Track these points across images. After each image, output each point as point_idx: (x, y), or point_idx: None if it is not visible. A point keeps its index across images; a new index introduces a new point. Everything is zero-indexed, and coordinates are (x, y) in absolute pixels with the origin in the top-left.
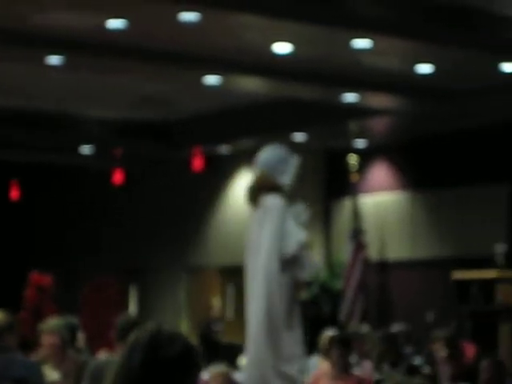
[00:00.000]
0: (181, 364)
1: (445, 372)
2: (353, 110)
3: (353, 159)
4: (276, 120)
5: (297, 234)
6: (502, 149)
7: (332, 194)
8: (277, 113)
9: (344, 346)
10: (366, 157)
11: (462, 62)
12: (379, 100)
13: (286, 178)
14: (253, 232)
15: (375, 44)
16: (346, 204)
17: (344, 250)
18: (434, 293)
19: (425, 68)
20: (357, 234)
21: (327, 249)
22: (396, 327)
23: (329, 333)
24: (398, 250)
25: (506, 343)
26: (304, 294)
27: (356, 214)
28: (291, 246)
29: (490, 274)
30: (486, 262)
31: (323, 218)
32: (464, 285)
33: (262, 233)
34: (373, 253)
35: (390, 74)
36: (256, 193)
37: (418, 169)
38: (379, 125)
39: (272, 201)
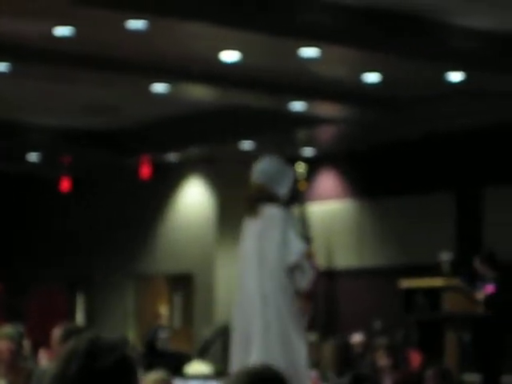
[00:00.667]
0: (118, 373)
1: (387, 381)
2: (300, 119)
3: (300, 167)
4: (224, 128)
5: (298, 243)
6: (447, 157)
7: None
8: (225, 121)
9: None
10: (314, 165)
11: (408, 71)
12: (327, 109)
13: (284, 189)
14: (250, 242)
15: (322, 53)
16: (294, 212)
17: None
18: (381, 301)
19: (372, 77)
20: (304, 241)
21: None
22: (355, 337)
23: None
24: (345, 258)
25: (452, 351)
26: (309, 305)
27: (303, 222)
28: (294, 255)
29: (436, 282)
30: (432, 271)
31: None
32: (410, 293)
33: (265, 243)
34: (321, 261)
35: (338, 83)
36: (255, 203)
37: (365, 177)
38: (327, 133)
39: (273, 211)
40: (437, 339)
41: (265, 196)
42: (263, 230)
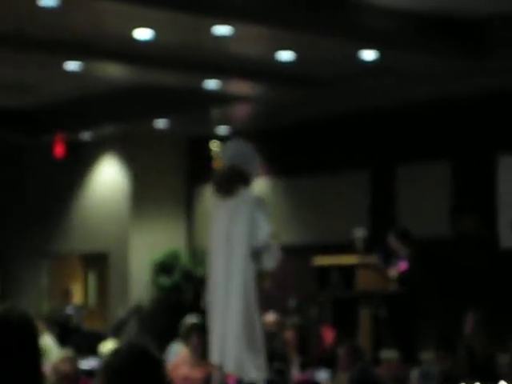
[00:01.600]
0: (22, 335)
1: (295, 359)
2: (215, 97)
3: (215, 146)
4: (138, 106)
5: (266, 225)
6: (360, 135)
7: (194, 181)
8: (139, 99)
9: (204, 333)
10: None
11: (322, 49)
12: (241, 87)
13: (254, 170)
14: (222, 221)
15: (236, 31)
16: (209, 191)
17: (207, 237)
18: (296, 279)
19: (286, 55)
20: None
21: (189, 235)
22: (268, 316)
23: (189, 320)
24: None
25: (365, 328)
26: (268, 284)
27: None
28: (262, 236)
29: (350, 259)
30: (347, 248)
31: (186, 205)
32: (325, 271)
33: (236, 224)
34: None
35: (252, 61)
36: (229, 184)
37: (280, 156)
38: (241, 112)
39: (246, 193)
40: (351, 316)
41: (239, 177)
42: (235, 210)
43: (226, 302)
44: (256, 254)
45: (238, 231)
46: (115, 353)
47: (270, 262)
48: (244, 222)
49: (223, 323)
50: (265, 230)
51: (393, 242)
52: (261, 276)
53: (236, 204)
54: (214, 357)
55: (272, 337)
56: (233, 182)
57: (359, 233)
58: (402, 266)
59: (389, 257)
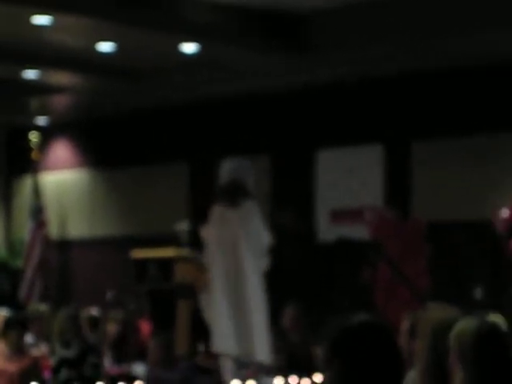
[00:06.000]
0: None
1: (111, 352)
2: (34, 87)
3: (34, 136)
4: None
5: (265, 231)
6: (180, 128)
7: (13, 171)
8: None
9: (20, 327)
10: (48, 134)
11: (143, 41)
12: (61, 77)
13: (252, 184)
14: (228, 229)
15: (56, 20)
16: (27, 181)
17: (24, 228)
18: (114, 272)
19: (106, 46)
20: (37, 211)
21: (7, 226)
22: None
23: (3, 313)
24: (78, 228)
25: (183, 320)
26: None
27: (37, 192)
28: (266, 241)
29: (168, 252)
30: (166, 241)
31: (4, 195)
32: (143, 263)
33: (245, 230)
34: (54, 231)
35: (72, 52)
36: (233, 196)
37: (99, 147)
38: (60, 102)
39: (250, 203)
40: (168, 309)
41: (241, 190)
42: (242, 218)
43: (236, 297)
44: (258, 258)
45: (245, 235)
46: None
47: (267, 262)
48: (251, 230)
49: (235, 315)
50: (266, 237)
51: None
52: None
53: (243, 213)
54: (224, 346)
55: (91, 329)
56: (236, 194)
57: (183, 226)
58: None
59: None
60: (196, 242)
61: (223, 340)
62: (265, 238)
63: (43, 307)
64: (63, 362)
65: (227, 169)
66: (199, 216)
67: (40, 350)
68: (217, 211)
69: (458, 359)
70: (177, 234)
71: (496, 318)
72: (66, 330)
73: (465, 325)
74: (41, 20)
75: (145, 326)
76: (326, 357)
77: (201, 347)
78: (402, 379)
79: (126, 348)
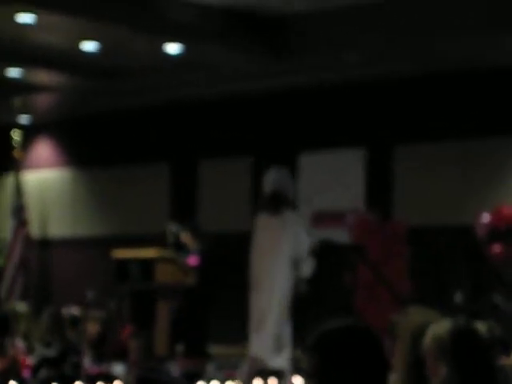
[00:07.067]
0: None
1: (90, 351)
2: (17, 86)
3: (16, 135)
4: None
5: (307, 239)
6: (162, 129)
7: None
8: None
9: (1, 326)
10: (30, 133)
11: (127, 41)
12: (44, 76)
13: (292, 194)
14: (269, 235)
15: (39, 19)
16: (9, 180)
17: (6, 227)
18: (95, 272)
19: (90, 45)
20: (19, 210)
21: None
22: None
23: None
24: (59, 227)
25: (163, 320)
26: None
27: (18, 191)
28: (303, 249)
29: (149, 253)
30: (148, 241)
31: None
32: (124, 264)
33: (282, 238)
34: (35, 230)
35: (55, 50)
36: (276, 205)
37: (81, 147)
38: (43, 101)
39: (293, 214)
40: (149, 309)
41: (283, 200)
42: (281, 227)
43: (269, 302)
44: (296, 263)
45: (284, 243)
46: None
47: (308, 270)
48: (289, 237)
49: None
50: (306, 243)
51: (184, 236)
52: (299, 282)
53: (287, 222)
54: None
55: (72, 329)
56: (278, 204)
57: (173, 227)
58: (192, 260)
59: (181, 250)
60: (180, 244)
61: (262, 345)
62: (305, 245)
63: (23, 306)
64: (44, 362)
65: (270, 179)
66: (180, 216)
67: (16, 350)
68: (261, 220)
69: (436, 360)
70: (164, 234)
71: (478, 325)
72: (47, 330)
73: (438, 327)
74: (24, 18)
75: (125, 327)
76: (310, 362)
77: (180, 348)
78: (386, 382)
79: (106, 348)
